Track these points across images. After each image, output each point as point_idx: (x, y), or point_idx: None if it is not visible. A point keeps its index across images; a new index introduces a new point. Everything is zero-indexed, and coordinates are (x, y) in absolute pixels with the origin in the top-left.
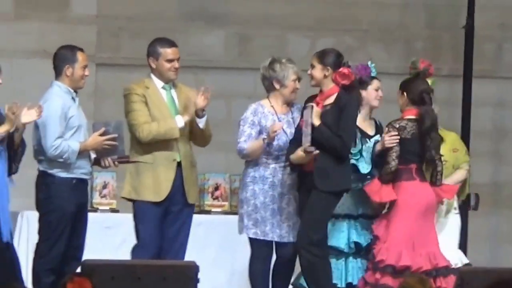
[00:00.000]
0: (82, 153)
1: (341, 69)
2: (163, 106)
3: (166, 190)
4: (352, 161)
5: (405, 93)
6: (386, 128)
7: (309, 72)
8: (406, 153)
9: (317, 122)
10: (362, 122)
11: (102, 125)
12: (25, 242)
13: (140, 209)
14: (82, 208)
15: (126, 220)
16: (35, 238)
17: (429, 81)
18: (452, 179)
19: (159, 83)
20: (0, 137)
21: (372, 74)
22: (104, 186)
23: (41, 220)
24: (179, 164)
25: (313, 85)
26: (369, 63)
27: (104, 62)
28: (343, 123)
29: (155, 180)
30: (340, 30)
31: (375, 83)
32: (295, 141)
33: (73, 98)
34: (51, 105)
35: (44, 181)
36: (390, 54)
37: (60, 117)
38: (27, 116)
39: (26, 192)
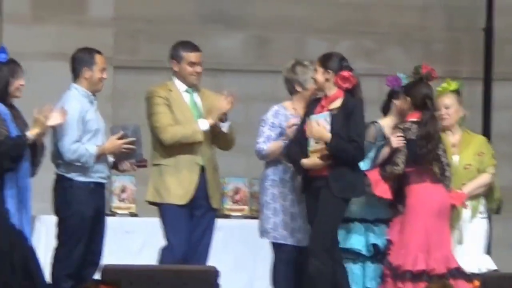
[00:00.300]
0: (100, 157)
1: (342, 73)
2: (186, 110)
3: (190, 193)
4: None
5: (408, 98)
6: (392, 131)
7: (312, 75)
8: (412, 155)
9: (328, 134)
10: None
11: (120, 129)
12: (43, 247)
13: (167, 211)
14: (100, 212)
15: (146, 224)
16: (53, 242)
17: (456, 83)
18: (475, 183)
19: (182, 87)
20: (31, 140)
21: (403, 85)
22: (123, 190)
23: (59, 225)
24: (202, 168)
25: (316, 89)
26: (400, 75)
27: (122, 65)
28: (355, 128)
29: (179, 183)
30: (359, 32)
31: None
32: (298, 143)
33: (91, 102)
34: (69, 108)
35: (61, 185)
36: (409, 57)
37: (78, 120)
38: (52, 119)
39: (43, 196)
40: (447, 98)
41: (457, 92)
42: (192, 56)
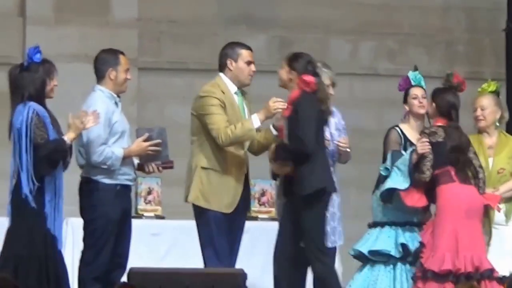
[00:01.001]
0: (126, 159)
1: (305, 76)
2: (238, 112)
3: (236, 203)
4: (388, 183)
5: (433, 104)
6: (419, 136)
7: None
8: (440, 156)
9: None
10: (414, 133)
11: (145, 131)
12: (71, 249)
13: (214, 219)
14: (126, 214)
15: (172, 226)
16: (80, 245)
17: (495, 84)
18: (508, 185)
19: (232, 88)
20: (68, 145)
21: (414, 82)
22: (149, 192)
23: (86, 228)
24: (246, 176)
25: (280, 85)
26: (410, 73)
27: (146, 67)
28: (298, 123)
29: (227, 191)
30: (381, 34)
31: (412, 91)
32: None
33: (116, 103)
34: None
35: (87, 188)
36: (432, 58)
37: (104, 122)
38: (89, 123)
39: (70, 199)
40: (484, 99)
41: (496, 93)
42: (248, 54)
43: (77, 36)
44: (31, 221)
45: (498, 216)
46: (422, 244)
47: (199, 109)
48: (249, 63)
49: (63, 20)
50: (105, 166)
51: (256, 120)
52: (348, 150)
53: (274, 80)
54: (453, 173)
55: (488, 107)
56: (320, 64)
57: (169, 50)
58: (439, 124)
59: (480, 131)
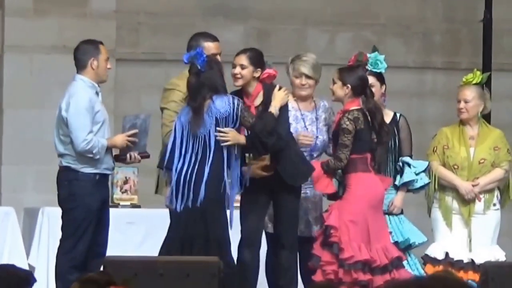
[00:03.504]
0: (108, 149)
1: (268, 71)
2: None
3: None
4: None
5: (348, 85)
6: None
7: (237, 71)
8: (360, 142)
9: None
10: None
11: (132, 118)
12: (46, 239)
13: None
14: (104, 204)
15: (148, 215)
16: (56, 234)
17: (480, 76)
18: (489, 177)
19: None
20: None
21: (376, 69)
22: (125, 182)
23: (64, 217)
24: None
25: (239, 84)
26: (370, 55)
27: (124, 58)
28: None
29: None
30: (358, 24)
31: None
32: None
33: (97, 93)
34: (79, 100)
35: (66, 177)
36: (409, 48)
37: (88, 111)
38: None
39: (47, 188)
40: (468, 91)
41: (480, 85)
42: (212, 46)
43: (56, 27)
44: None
45: (477, 205)
46: (330, 227)
47: (161, 102)
48: (213, 55)
49: (42, 11)
50: (90, 155)
51: (276, 111)
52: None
53: None
54: (369, 161)
55: (471, 100)
56: (302, 55)
57: (147, 41)
58: (356, 107)
59: (463, 123)
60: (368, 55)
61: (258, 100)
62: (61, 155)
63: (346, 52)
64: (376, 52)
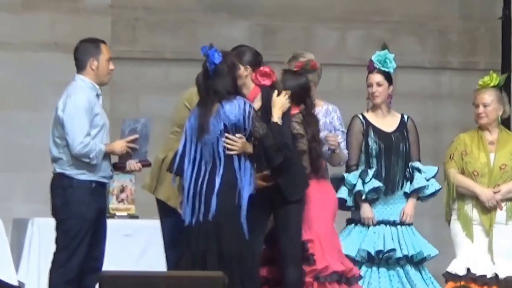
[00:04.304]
0: (105, 155)
1: (262, 68)
2: None
3: None
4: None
5: (288, 91)
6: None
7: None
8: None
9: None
10: (376, 118)
11: (132, 122)
12: (37, 252)
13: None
14: (101, 214)
15: (147, 227)
16: (47, 247)
17: (498, 78)
18: (508, 186)
19: None
20: None
21: (377, 66)
22: (122, 190)
23: (58, 228)
24: None
25: None
26: (380, 52)
27: (120, 56)
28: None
29: None
30: (370, 22)
31: (368, 78)
32: None
33: (97, 95)
34: (77, 99)
35: (60, 184)
36: (424, 47)
37: (87, 112)
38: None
39: (36, 197)
40: (487, 96)
41: (498, 87)
42: None
43: (46, 23)
44: None
45: (499, 215)
46: (307, 242)
47: (191, 101)
48: None
49: (31, 6)
50: (86, 159)
51: (280, 120)
52: (336, 149)
53: None
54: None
55: (490, 103)
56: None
57: (145, 38)
58: (296, 111)
59: (481, 128)
60: (377, 52)
61: (256, 104)
62: (55, 160)
63: (357, 51)
64: (386, 50)
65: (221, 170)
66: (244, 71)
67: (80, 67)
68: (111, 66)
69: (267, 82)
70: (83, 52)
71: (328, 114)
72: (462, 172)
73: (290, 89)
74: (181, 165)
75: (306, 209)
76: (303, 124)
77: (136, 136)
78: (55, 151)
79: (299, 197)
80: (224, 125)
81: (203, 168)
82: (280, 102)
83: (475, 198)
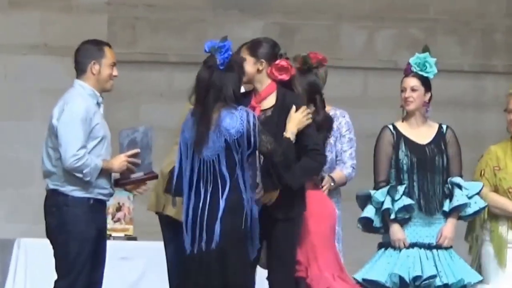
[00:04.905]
0: (104, 173)
1: (278, 61)
2: None
3: None
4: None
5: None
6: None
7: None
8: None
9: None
10: (409, 129)
11: (130, 132)
12: (23, 277)
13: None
14: (101, 235)
15: (146, 249)
16: (35, 271)
17: None
18: None
19: None
20: None
21: (415, 69)
22: (119, 209)
23: (56, 252)
24: None
25: (244, 81)
26: (415, 56)
27: (118, 59)
28: (307, 132)
29: None
30: (403, 19)
31: (403, 82)
32: None
33: (98, 103)
34: (73, 108)
35: (55, 202)
36: (465, 49)
37: (84, 122)
38: None
39: (21, 216)
40: None
41: None
42: None
43: (36, 22)
44: None
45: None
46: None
47: None
48: None
49: (19, 4)
50: (79, 175)
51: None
52: (332, 184)
53: None
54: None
55: None
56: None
57: (146, 39)
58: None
59: None
60: (417, 54)
61: (268, 102)
62: (48, 175)
63: (388, 53)
64: (427, 53)
65: (226, 192)
66: (256, 64)
67: (80, 70)
68: (115, 72)
69: (284, 76)
70: (84, 55)
71: (335, 119)
72: (495, 190)
73: (300, 91)
74: (180, 184)
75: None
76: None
77: (137, 150)
78: (48, 164)
79: (296, 214)
80: (225, 141)
81: (202, 189)
82: (297, 119)
83: (511, 219)
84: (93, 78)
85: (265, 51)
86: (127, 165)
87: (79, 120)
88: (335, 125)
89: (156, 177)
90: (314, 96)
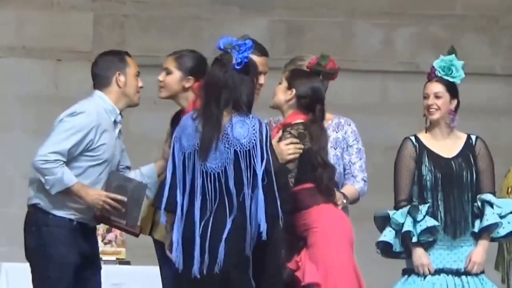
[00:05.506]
0: (76, 197)
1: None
2: None
3: None
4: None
5: (293, 90)
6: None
7: (160, 77)
8: (307, 167)
9: None
10: (433, 140)
11: (122, 179)
12: None
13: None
14: (88, 260)
15: (140, 274)
16: None
17: None
18: None
19: None
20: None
21: (440, 74)
22: (109, 230)
23: (34, 276)
24: None
25: (163, 96)
26: (444, 58)
27: None
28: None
29: None
30: (425, 16)
31: (426, 88)
32: None
33: (115, 121)
34: (81, 114)
35: (34, 221)
36: (495, 49)
37: (80, 133)
38: None
39: (3, 237)
40: None
41: None
42: (258, 62)
43: (12, 22)
44: None
45: None
46: (313, 285)
47: None
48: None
49: None
50: (41, 178)
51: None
52: (344, 201)
53: (278, 78)
54: (317, 189)
55: None
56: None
57: (135, 39)
58: (299, 120)
59: None
60: (442, 57)
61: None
62: (32, 181)
63: (409, 54)
64: (453, 55)
65: (234, 211)
66: (182, 81)
67: (101, 84)
68: (140, 83)
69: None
70: (105, 67)
71: (340, 128)
72: None
73: (298, 91)
74: (173, 198)
75: (310, 245)
76: (300, 138)
77: (124, 199)
78: (33, 172)
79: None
80: (235, 152)
81: (205, 206)
82: (282, 151)
83: None
84: (118, 92)
85: (191, 65)
86: (104, 205)
87: (77, 127)
88: (340, 134)
89: (136, 235)
90: (314, 105)
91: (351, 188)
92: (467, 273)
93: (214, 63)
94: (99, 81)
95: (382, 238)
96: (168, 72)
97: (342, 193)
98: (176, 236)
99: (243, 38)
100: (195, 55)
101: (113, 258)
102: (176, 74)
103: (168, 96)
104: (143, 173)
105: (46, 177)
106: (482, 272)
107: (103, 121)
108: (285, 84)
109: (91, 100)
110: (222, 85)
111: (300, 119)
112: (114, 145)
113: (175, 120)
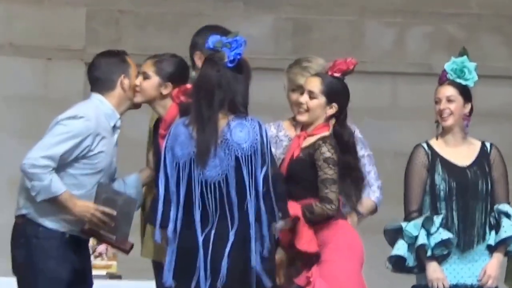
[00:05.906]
0: (64, 207)
1: (188, 85)
2: None
3: None
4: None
5: (335, 104)
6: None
7: (137, 82)
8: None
9: None
10: (446, 147)
11: (111, 191)
12: None
13: None
14: (80, 278)
15: None
16: None
17: None
18: None
19: None
20: None
21: (451, 77)
22: (99, 242)
23: None
24: None
25: (138, 101)
26: (451, 61)
27: None
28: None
29: None
30: (439, 15)
31: (437, 92)
32: None
33: (114, 127)
34: (79, 120)
35: (23, 233)
36: None
37: (75, 140)
38: None
39: None
40: None
41: None
42: None
43: (1, 18)
44: None
45: None
46: None
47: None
48: None
49: None
50: (28, 183)
51: None
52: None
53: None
54: (341, 203)
55: None
56: (302, 61)
57: (132, 37)
58: (325, 133)
59: None
60: (453, 59)
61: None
62: (20, 195)
63: (421, 55)
64: (465, 57)
65: (236, 222)
66: (160, 87)
67: (104, 88)
68: (138, 81)
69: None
70: (108, 70)
71: None
72: None
73: (339, 104)
74: (168, 213)
75: (323, 260)
76: (335, 150)
77: (114, 213)
78: (23, 179)
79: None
80: (236, 158)
81: (210, 219)
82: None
83: None
84: (121, 96)
85: (171, 71)
86: (92, 218)
87: (73, 132)
88: None
89: (126, 252)
90: (345, 109)
91: (367, 202)
92: (481, 287)
93: (205, 63)
94: (101, 85)
95: (395, 252)
96: (146, 77)
97: (357, 211)
98: (170, 252)
99: (232, 35)
100: (176, 60)
101: (103, 272)
102: (154, 79)
103: (143, 101)
104: (127, 183)
105: (32, 182)
106: (497, 286)
107: (102, 127)
108: (322, 99)
109: (90, 103)
110: (215, 85)
111: (327, 130)
112: (111, 153)
113: (156, 128)
